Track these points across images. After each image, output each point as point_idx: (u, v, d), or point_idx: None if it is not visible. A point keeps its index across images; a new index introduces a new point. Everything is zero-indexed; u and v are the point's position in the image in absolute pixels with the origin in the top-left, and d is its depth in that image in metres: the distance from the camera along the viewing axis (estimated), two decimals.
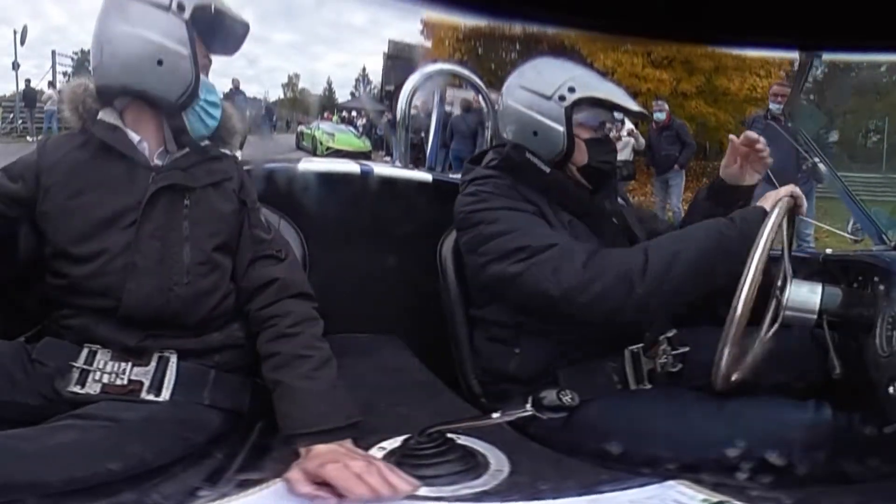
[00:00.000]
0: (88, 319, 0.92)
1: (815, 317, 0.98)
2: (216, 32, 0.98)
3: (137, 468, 0.81)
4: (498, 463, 0.84)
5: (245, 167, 1.09)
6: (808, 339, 1.07)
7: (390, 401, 1.07)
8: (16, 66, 11.62)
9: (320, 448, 0.81)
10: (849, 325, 0.98)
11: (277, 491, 0.76)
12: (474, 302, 1.15)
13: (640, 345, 1.07)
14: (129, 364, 0.91)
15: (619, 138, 4.98)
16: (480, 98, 1.67)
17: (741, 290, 0.89)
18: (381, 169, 1.46)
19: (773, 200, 1.00)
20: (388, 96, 15.25)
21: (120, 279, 0.91)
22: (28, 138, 9.91)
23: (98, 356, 0.91)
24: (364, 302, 1.35)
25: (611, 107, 1.11)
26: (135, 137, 0.97)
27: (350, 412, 0.87)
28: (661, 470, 0.81)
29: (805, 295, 0.98)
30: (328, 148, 10.70)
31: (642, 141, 5.26)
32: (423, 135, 1.91)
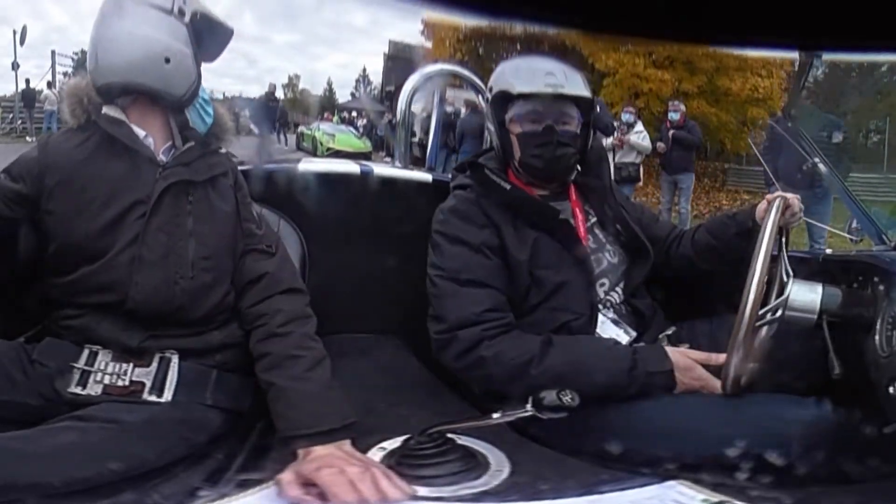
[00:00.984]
0: (90, 319, 0.92)
1: (815, 317, 0.98)
2: (204, 38, 1.00)
3: (138, 469, 0.81)
4: (498, 463, 0.84)
5: (241, 167, 1.10)
6: (808, 339, 1.07)
7: (390, 401, 1.07)
8: (15, 66, 11.64)
9: (319, 450, 0.81)
10: (849, 325, 0.98)
11: (272, 492, 0.76)
12: None
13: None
14: (131, 365, 0.91)
15: (622, 144, 4.98)
16: (480, 99, 1.67)
17: (748, 292, 0.89)
18: (381, 169, 1.46)
19: (767, 205, 1.02)
20: (388, 97, 15.26)
21: (126, 273, 0.91)
22: (27, 138, 9.89)
23: (99, 357, 0.91)
24: (364, 302, 1.35)
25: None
26: (140, 132, 0.98)
27: (345, 413, 0.86)
28: (661, 470, 0.81)
29: (805, 295, 0.98)
30: (328, 148, 10.69)
31: (648, 145, 5.17)
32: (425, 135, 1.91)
